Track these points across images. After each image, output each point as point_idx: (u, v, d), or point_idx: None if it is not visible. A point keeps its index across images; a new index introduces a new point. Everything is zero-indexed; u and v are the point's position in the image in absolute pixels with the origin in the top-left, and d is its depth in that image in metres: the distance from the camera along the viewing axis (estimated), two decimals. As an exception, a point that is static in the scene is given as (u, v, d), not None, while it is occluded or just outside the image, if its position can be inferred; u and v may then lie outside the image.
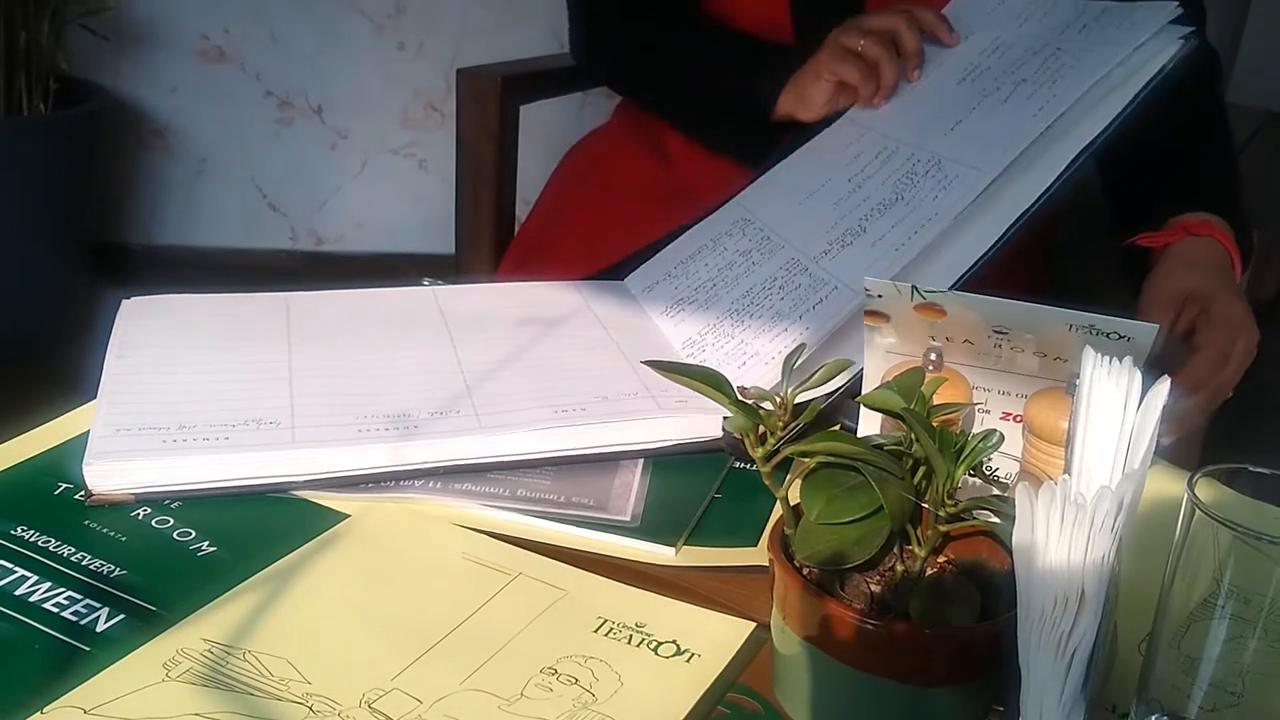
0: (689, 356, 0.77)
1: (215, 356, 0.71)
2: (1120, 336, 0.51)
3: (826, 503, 0.46)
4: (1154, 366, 0.47)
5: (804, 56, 0.99)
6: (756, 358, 0.75)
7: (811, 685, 0.47)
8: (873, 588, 0.48)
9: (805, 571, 0.47)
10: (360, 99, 2.51)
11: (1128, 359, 0.44)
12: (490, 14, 2.45)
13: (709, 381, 0.48)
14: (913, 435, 0.47)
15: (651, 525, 0.61)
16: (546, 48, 2.33)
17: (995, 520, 0.47)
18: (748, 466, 0.68)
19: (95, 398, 0.67)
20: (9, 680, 0.47)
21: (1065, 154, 0.78)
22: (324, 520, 0.60)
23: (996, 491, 0.49)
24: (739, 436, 0.48)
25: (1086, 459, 0.43)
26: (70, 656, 0.48)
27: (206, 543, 0.57)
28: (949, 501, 0.46)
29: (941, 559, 0.50)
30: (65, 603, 0.52)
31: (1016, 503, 0.41)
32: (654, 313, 0.84)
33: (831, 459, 0.47)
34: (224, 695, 0.46)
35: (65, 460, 0.62)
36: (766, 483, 0.48)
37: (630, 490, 0.64)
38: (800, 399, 0.48)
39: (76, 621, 0.50)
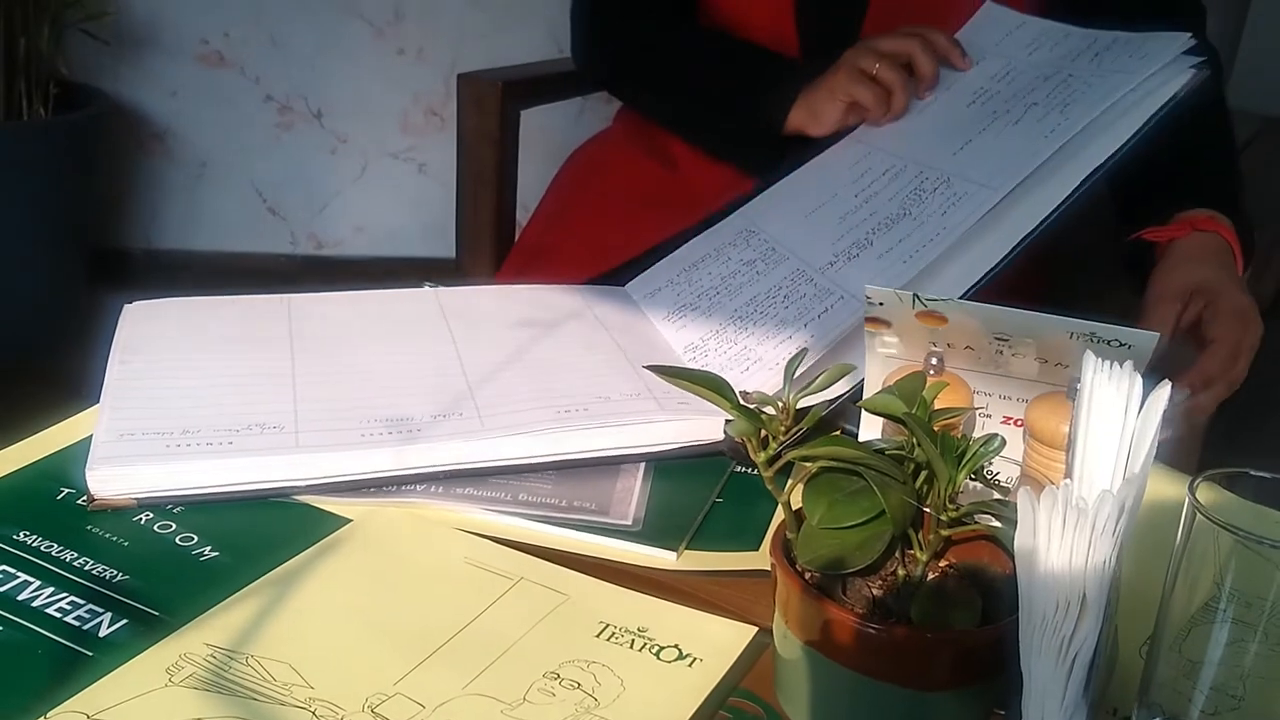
0: (691, 361, 0.77)
1: (217, 360, 0.71)
2: (1121, 344, 0.51)
3: (828, 507, 0.47)
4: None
5: (813, 70, 0.99)
6: (760, 363, 0.75)
7: (813, 689, 0.47)
8: (874, 592, 0.48)
9: (807, 576, 0.47)
10: (360, 103, 2.51)
11: (1128, 363, 0.44)
12: (489, 19, 2.45)
13: (711, 386, 0.48)
14: (914, 440, 0.47)
15: (653, 529, 0.61)
16: (546, 52, 2.34)
17: (997, 524, 0.47)
18: (749, 471, 0.68)
19: (96, 402, 0.67)
20: (12, 685, 0.47)
21: (1075, 175, 0.78)
22: (326, 525, 0.60)
23: (998, 496, 0.49)
24: (741, 441, 0.48)
25: (1088, 463, 0.43)
26: (73, 662, 0.48)
27: (209, 548, 0.57)
28: (950, 506, 0.46)
29: (943, 563, 0.50)
30: (68, 608, 0.52)
31: (1018, 507, 0.41)
32: (656, 318, 0.84)
33: (833, 463, 0.47)
34: (227, 700, 0.46)
35: (67, 465, 0.63)
36: (768, 487, 0.48)
37: (632, 494, 0.65)
38: (802, 404, 0.48)
39: (79, 626, 0.50)
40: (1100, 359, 0.44)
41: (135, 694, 0.46)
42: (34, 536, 0.57)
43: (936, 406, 0.50)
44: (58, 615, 0.51)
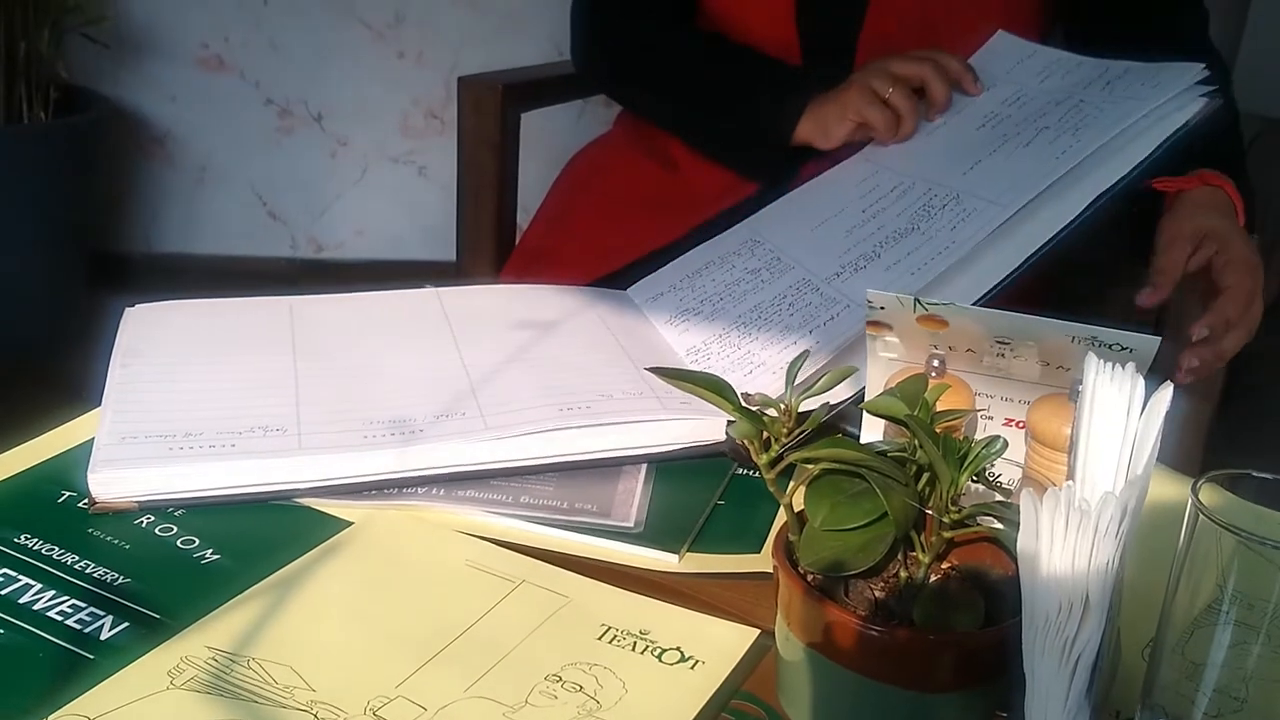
0: (693, 363, 0.77)
1: (219, 363, 0.71)
2: (1123, 348, 0.51)
3: (831, 509, 0.46)
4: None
5: (822, 81, 1.00)
6: (763, 367, 0.74)
7: (815, 692, 0.47)
8: (877, 594, 0.48)
9: (809, 578, 0.47)
10: (360, 107, 2.51)
11: (1130, 365, 0.44)
12: (489, 22, 2.46)
13: (712, 388, 0.48)
14: (916, 442, 0.47)
15: (655, 531, 0.61)
16: (546, 56, 2.34)
17: (999, 526, 0.47)
18: (751, 473, 0.68)
19: (96, 406, 0.67)
20: (13, 689, 0.47)
21: (1086, 194, 0.79)
22: (328, 528, 0.60)
23: (1000, 498, 0.49)
24: (743, 443, 0.48)
25: (1090, 465, 0.43)
26: (74, 665, 0.48)
27: (210, 550, 0.57)
28: (953, 508, 0.46)
29: (945, 565, 0.50)
30: (69, 611, 0.52)
31: (1020, 509, 0.41)
32: (658, 321, 0.84)
33: (835, 465, 0.47)
34: (228, 703, 0.46)
35: (68, 468, 0.62)
36: (770, 489, 0.48)
37: (633, 496, 0.64)
38: (805, 407, 0.48)
39: (81, 630, 0.50)
40: (1102, 360, 0.44)
41: (136, 697, 0.46)
42: (35, 540, 0.57)
43: (938, 409, 0.50)
44: (59, 618, 0.51)
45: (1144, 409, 0.43)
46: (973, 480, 0.47)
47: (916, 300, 0.56)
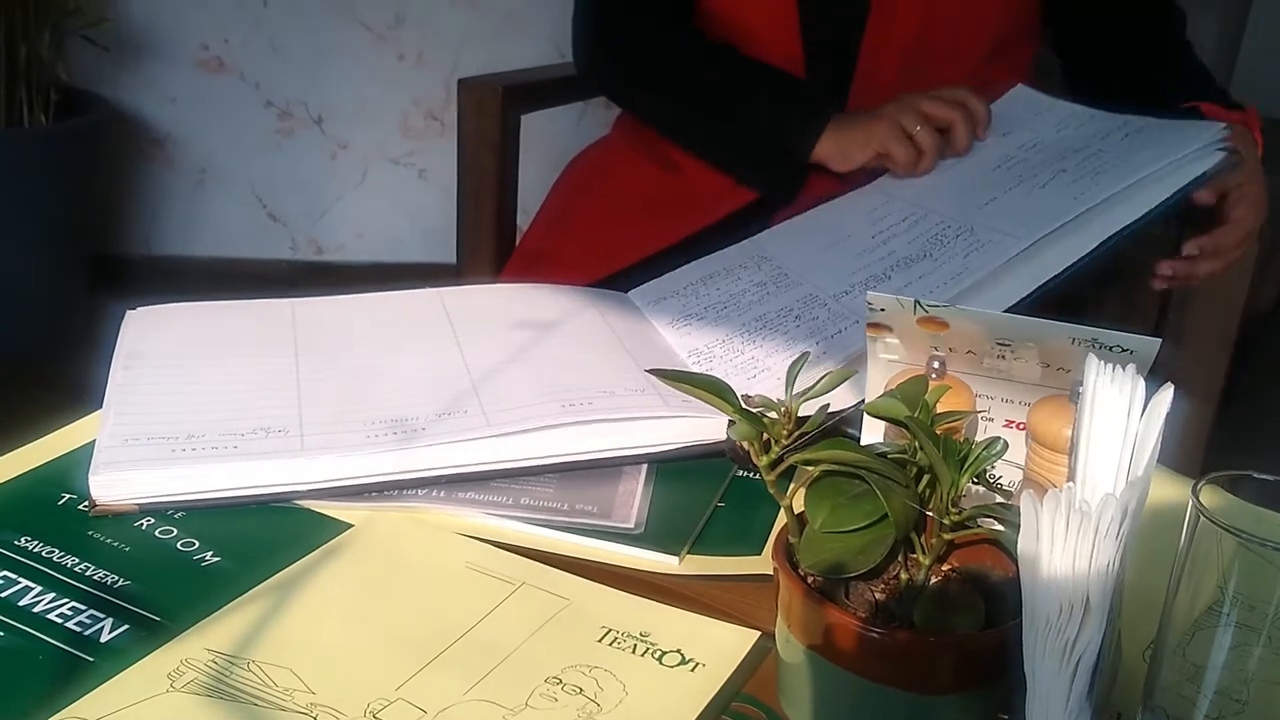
0: (695, 365, 0.77)
1: (221, 365, 0.71)
2: (1123, 350, 0.51)
3: (831, 511, 0.46)
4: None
5: (830, 96, 1.01)
6: (768, 372, 0.74)
7: (816, 694, 0.47)
8: (877, 596, 0.48)
9: (809, 580, 0.47)
10: (360, 109, 2.51)
11: (1130, 366, 0.44)
12: (489, 24, 2.46)
13: (712, 389, 0.48)
14: (916, 443, 0.47)
15: (655, 533, 0.61)
16: (546, 58, 2.35)
17: (999, 528, 0.47)
18: (751, 475, 0.68)
19: (96, 408, 0.67)
20: (13, 691, 0.47)
21: (1101, 232, 0.79)
22: (328, 530, 0.60)
23: (1000, 499, 0.49)
24: (743, 444, 0.48)
25: (1090, 466, 0.43)
26: (74, 667, 0.48)
27: (210, 553, 0.57)
28: (953, 509, 0.46)
29: (946, 567, 0.50)
30: (69, 613, 0.52)
31: (1020, 510, 0.41)
32: (660, 323, 0.84)
33: (836, 467, 0.47)
34: (228, 705, 0.46)
35: (68, 471, 0.62)
36: (770, 491, 0.48)
37: (634, 498, 0.64)
38: (805, 410, 0.48)
39: (80, 632, 0.50)
40: (1102, 362, 0.44)
41: (136, 699, 0.46)
42: (35, 542, 0.57)
43: (939, 410, 0.50)
44: (59, 621, 0.51)
45: (1144, 410, 0.42)
46: (973, 482, 0.47)
47: (917, 302, 0.56)
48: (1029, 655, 0.42)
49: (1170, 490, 0.60)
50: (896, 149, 0.96)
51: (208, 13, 2.39)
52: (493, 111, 1.21)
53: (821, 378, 0.49)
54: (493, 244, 1.25)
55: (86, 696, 0.46)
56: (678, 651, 0.52)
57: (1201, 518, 0.42)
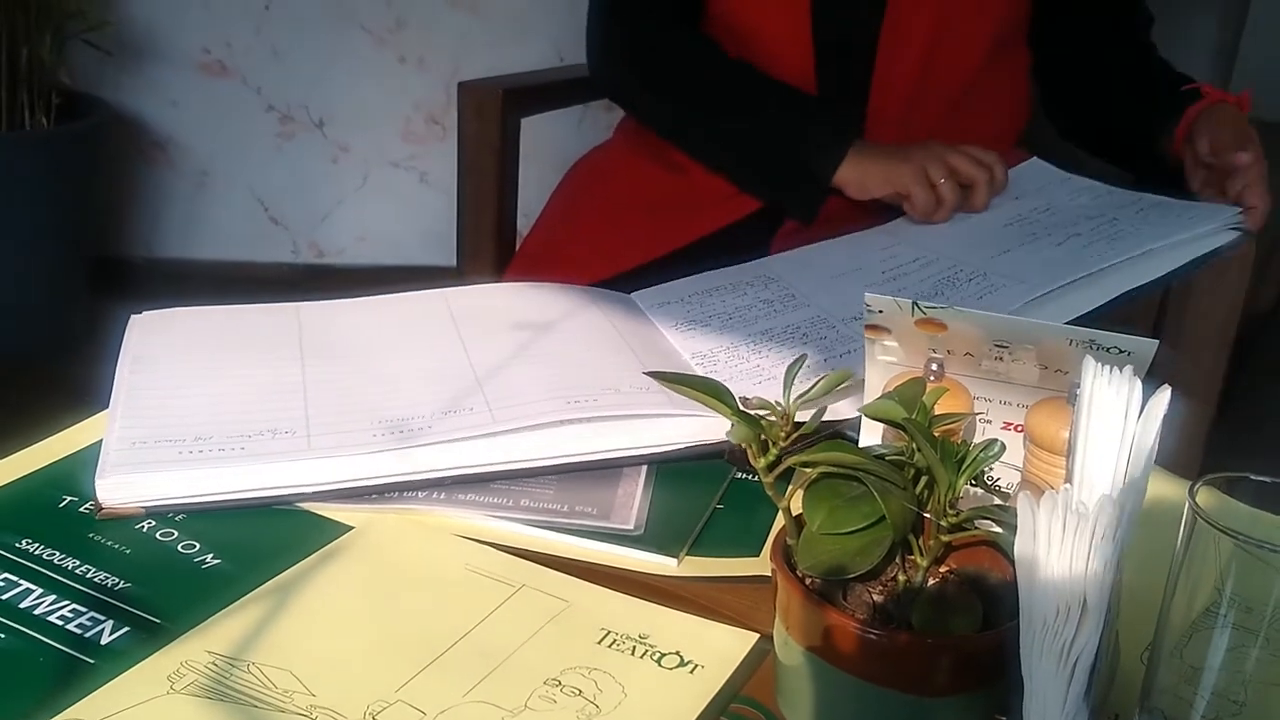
0: (699, 368, 0.77)
1: (227, 368, 0.71)
2: (1120, 351, 0.52)
3: (829, 513, 0.47)
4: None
5: (850, 119, 1.03)
6: (774, 380, 0.74)
7: (814, 696, 0.47)
8: (875, 598, 0.48)
9: (808, 582, 0.47)
10: (361, 112, 2.51)
11: (1128, 368, 0.44)
12: (490, 27, 2.46)
13: (710, 392, 0.48)
14: (914, 445, 0.47)
15: (654, 535, 0.61)
16: (547, 61, 2.35)
17: (997, 530, 0.47)
18: (750, 477, 0.68)
19: (98, 411, 0.67)
20: (14, 693, 0.47)
21: (1114, 288, 0.80)
22: (328, 532, 0.60)
23: (998, 501, 0.49)
24: (742, 446, 0.48)
25: (1088, 468, 0.43)
26: (75, 669, 0.48)
27: (211, 555, 0.57)
28: (951, 511, 0.47)
29: (943, 569, 0.50)
30: (70, 615, 0.52)
31: (1018, 512, 0.41)
32: (664, 326, 0.83)
33: (833, 469, 0.47)
34: (228, 707, 0.47)
35: (70, 473, 0.63)
36: (769, 493, 0.48)
37: (633, 500, 0.65)
38: (804, 415, 0.48)
39: (81, 634, 0.51)
40: (1100, 364, 0.44)
41: (136, 701, 0.47)
42: (36, 544, 0.57)
43: (936, 412, 0.50)
44: (59, 623, 0.51)
45: (1142, 412, 0.43)
46: (971, 484, 0.47)
47: (915, 304, 0.56)
48: (1026, 657, 0.42)
49: (1167, 492, 0.61)
50: (917, 192, 0.97)
51: (209, 16, 2.39)
52: (493, 115, 1.21)
53: (819, 380, 0.49)
54: (493, 246, 1.25)
55: (87, 698, 0.46)
56: (677, 653, 0.52)
57: (1199, 519, 0.42)
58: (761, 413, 0.48)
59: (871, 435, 0.62)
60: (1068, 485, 0.42)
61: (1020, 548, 0.41)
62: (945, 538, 0.47)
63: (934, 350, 0.59)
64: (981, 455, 0.46)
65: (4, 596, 0.53)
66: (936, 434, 0.47)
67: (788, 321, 0.82)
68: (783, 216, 1.07)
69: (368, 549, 0.59)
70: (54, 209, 2.09)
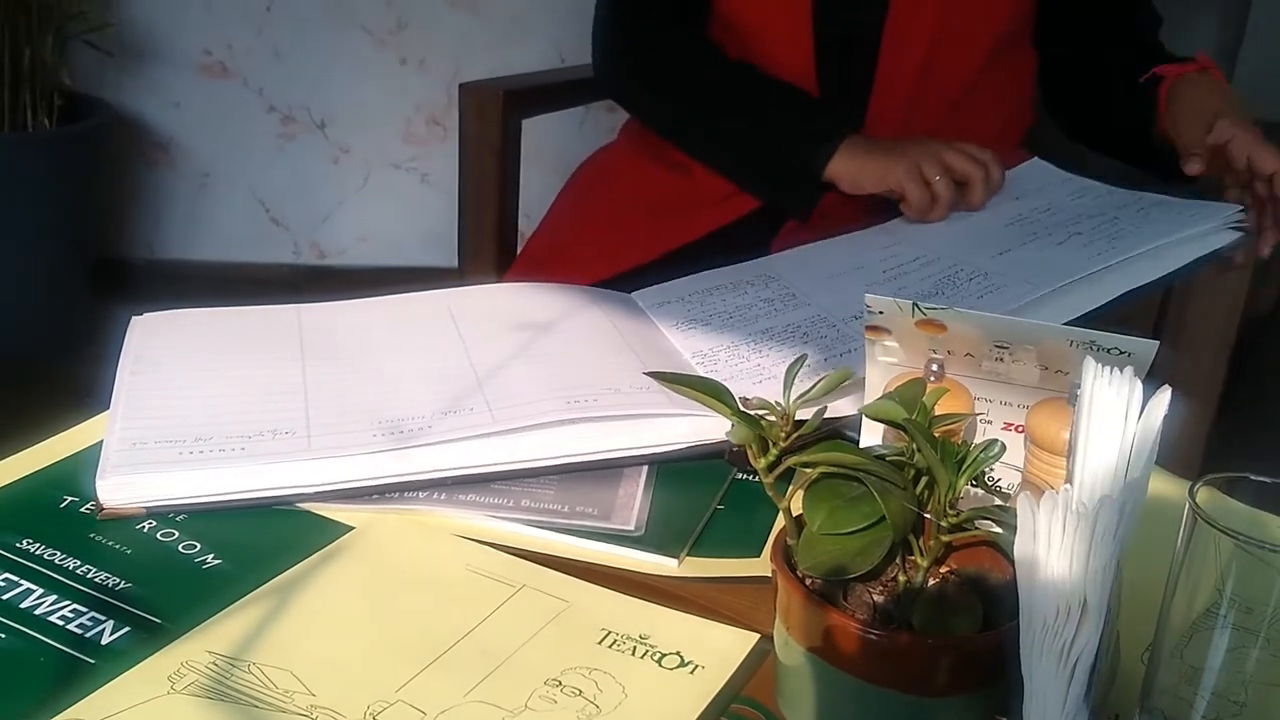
0: (699, 368, 0.77)
1: (228, 369, 0.71)
2: (1121, 352, 0.52)
3: (829, 513, 0.47)
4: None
5: (843, 115, 1.03)
6: (774, 380, 0.74)
7: (815, 696, 0.47)
8: (875, 598, 0.48)
9: (808, 582, 0.47)
10: (362, 113, 2.51)
11: (1129, 369, 0.44)
12: (491, 29, 2.46)
13: (709, 392, 0.48)
14: (915, 446, 0.47)
15: (655, 536, 0.61)
16: (548, 62, 2.35)
17: (997, 530, 0.47)
18: (750, 477, 0.68)
19: (99, 411, 0.67)
20: (15, 693, 0.47)
21: (1116, 288, 0.79)
22: (328, 532, 0.60)
23: (998, 502, 0.49)
24: (742, 447, 0.48)
25: (1088, 469, 0.43)
26: (75, 669, 0.48)
27: (211, 555, 0.57)
28: (951, 512, 0.47)
29: (944, 569, 0.50)
30: (71, 615, 0.52)
31: (1018, 513, 0.41)
32: (664, 326, 0.83)
33: (834, 470, 0.47)
34: (229, 708, 0.47)
35: (70, 474, 0.63)
36: (769, 493, 0.48)
37: (634, 500, 0.65)
38: (804, 413, 0.48)
39: (82, 634, 0.51)
40: (1100, 365, 0.44)
41: (137, 701, 0.47)
42: (37, 544, 0.57)
43: (937, 413, 0.50)
44: (60, 623, 0.51)
45: (1142, 413, 0.43)
46: (971, 484, 0.47)
47: (915, 305, 0.56)
48: (1026, 657, 0.42)
49: (1168, 492, 0.61)
50: (912, 189, 0.96)
51: (211, 17, 2.40)
52: (494, 116, 1.21)
53: (819, 380, 0.49)
54: (494, 247, 1.25)
55: (87, 698, 0.46)
56: (677, 654, 0.52)
57: (1199, 520, 0.42)
58: (761, 413, 0.48)
59: (872, 436, 0.62)
60: (1068, 486, 0.42)
61: (1020, 548, 0.41)
62: (945, 538, 0.47)
63: (934, 351, 0.59)
64: (982, 456, 0.46)
65: (5, 596, 0.53)
66: (937, 434, 0.47)
67: (788, 320, 0.82)
68: (784, 215, 1.07)
69: (368, 549, 0.59)
70: (55, 210, 2.09)
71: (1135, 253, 0.81)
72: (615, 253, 1.10)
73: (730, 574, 0.59)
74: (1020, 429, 0.59)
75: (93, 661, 0.49)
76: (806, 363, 0.51)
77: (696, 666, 0.51)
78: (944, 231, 0.96)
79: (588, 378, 0.70)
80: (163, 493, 0.60)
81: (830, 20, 1.05)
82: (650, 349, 0.77)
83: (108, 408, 0.67)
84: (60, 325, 2.14)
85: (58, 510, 0.60)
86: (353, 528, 0.61)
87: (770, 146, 1.05)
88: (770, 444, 0.48)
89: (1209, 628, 0.43)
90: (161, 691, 0.47)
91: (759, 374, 0.74)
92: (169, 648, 0.50)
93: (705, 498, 0.65)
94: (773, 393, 0.72)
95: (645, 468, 0.68)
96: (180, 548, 0.58)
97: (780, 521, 0.49)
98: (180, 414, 0.66)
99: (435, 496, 0.63)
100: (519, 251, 1.26)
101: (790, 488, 0.49)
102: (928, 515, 0.47)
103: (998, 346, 0.57)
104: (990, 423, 0.62)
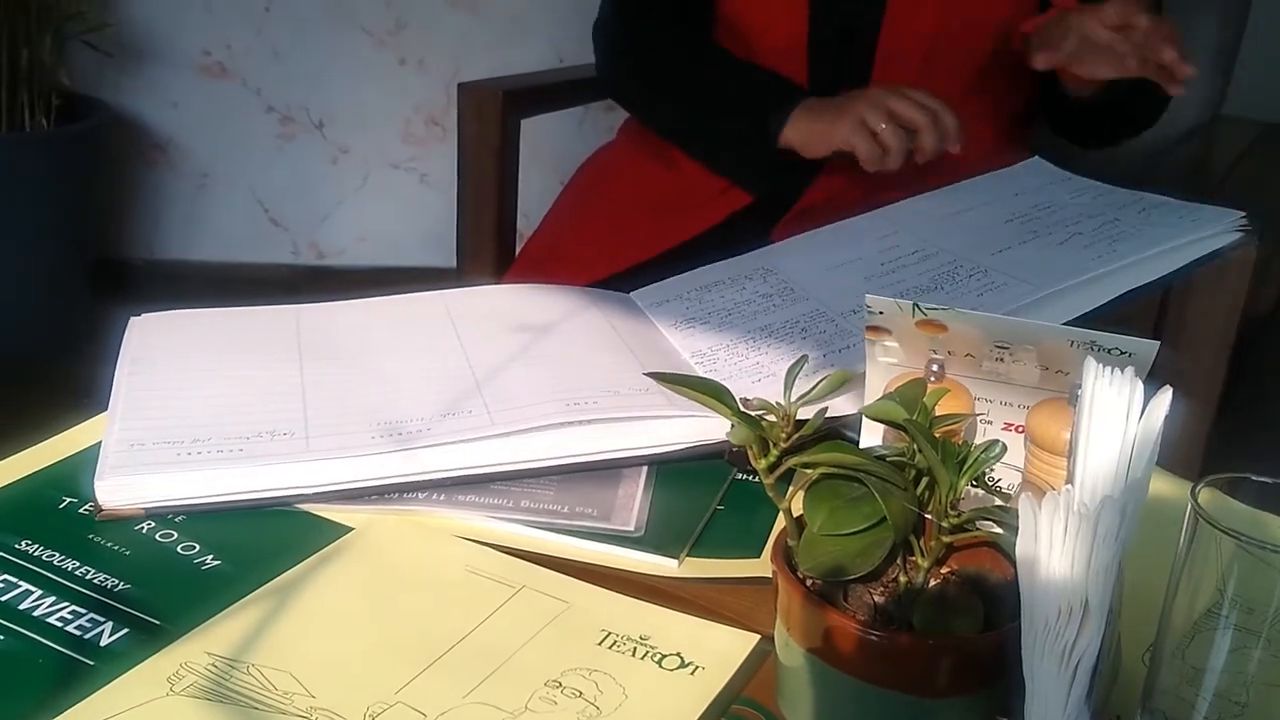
0: (699, 367, 0.77)
1: (227, 370, 0.71)
2: (1121, 352, 0.51)
3: (829, 514, 0.46)
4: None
5: (815, 92, 1.01)
6: (773, 378, 0.74)
7: (815, 697, 0.47)
8: (876, 599, 0.48)
9: (808, 583, 0.47)
10: (361, 114, 2.51)
11: (1129, 369, 0.44)
12: (490, 29, 2.46)
13: (709, 392, 0.48)
14: (915, 446, 0.47)
15: (655, 536, 0.61)
16: (547, 63, 2.35)
17: (998, 531, 0.47)
18: (750, 478, 0.68)
19: (98, 412, 0.67)
20: (13, 694, 0.47)
21: (1115, 289, 0.79)
22: (328, 533, 0.60)
23: (999, 502, 0.49)
24: (742, 447, 0.48)
25: (1089, 469, 0.43)
26: (74, 671, 0.48)
27: (210, 556, 0.57)
28: (952, 512, 0.46)
29: (945, 570, 0.50)
30: (69, 617, 0.52)
31: (1019, 513, 0.41)
32: (663, 325, 0.83)
33: (834, 470, 0.47)
34: (228, 709, 0.46)
35: (69, 474, 0.63)
36: (769, 494, 0.48)
37: (634, 501, 0.64)
38: (804, 413, 0.48)
39: (81, 636, 0.50)
40: (1101, 365, 0.44)
41: (136, 703, 0.46)
42: (36, 545, 0.57)
43: (937, 413, 0.50)
44: (59, 624, 0.51)
45: (1143, 413, 0.43)
46: (972, 485, 0.47)
47: (915, 305, 0.56)
48: (1028, 658, 0.42)
49: (1169, 492, 0.61)
50: (858, 142, 0.95)
51: (210, 18, 2.40)
52: (493, 116, 1.21)
53: (820, 380, 0.49)
54: (493, 248, 1.25)
55: (86, 700, 0.46)
56: (677, 654, 0.52)
57: (1200, 520, 0.42)
58: (762, 413, 0.48)
59: (872, 436, 0.62)
60: (1069, 486, 0.42)
61: (1021, 549, 0.41)
62: (946, 539, 0.47)
63: (934, 351, 0.59)
64: (982, 456, 0.46)
65: (4, 598, 0.53)
66: (937, 435, 0.47)
67: (786, 316, 0.82)
68: (782, 208, 1.07)
69: (367, 550, 0.59)
70: (54, 210, 2.09)
71: (1138, 256, 0.81)
72: (615, 252, 1.10)
73: (730, 575, 0.59)
74: (1021, 429, 0.59)
75: (92, 663, 0.49)
76: (806, 363, 0.51)
77: (697, 667, 0.51)
78: (942, 226, 0.95)
79: (587, 380, 0.70)
80: (161, 494, 0.60)
81: (826, 23, 1.05)
82: (649, 349, 0.77)
83: (107, 408, 0.67)
84: (59, 325, 2.14)
85: (56, 511, 0.60)
86: (352, 529, 0.60)
87: (738, 129, 1.05)
88: (771, 444, 0.48)
89: (1210, 628, 0.43)
90: (161, 693, 0.47)
91: (758, 372, 0.74)
92: (168, 649, 0.50)
93: (705, 498, 0.65)
94: (772, 391, 0.72)
95: (645, 468, 0.68)
96: (179, 549, 0.58)
97: (780, 522, 0.49)
98: (179, 415, 0.65)
99: (435, 497, 0.63)
100: (518, 252, 1.26)
101: (790, 488, 0.49)
102: (928, 516, 0.47)
103: (998, 347, 0.57)
104: (991, 423, 0.62)
